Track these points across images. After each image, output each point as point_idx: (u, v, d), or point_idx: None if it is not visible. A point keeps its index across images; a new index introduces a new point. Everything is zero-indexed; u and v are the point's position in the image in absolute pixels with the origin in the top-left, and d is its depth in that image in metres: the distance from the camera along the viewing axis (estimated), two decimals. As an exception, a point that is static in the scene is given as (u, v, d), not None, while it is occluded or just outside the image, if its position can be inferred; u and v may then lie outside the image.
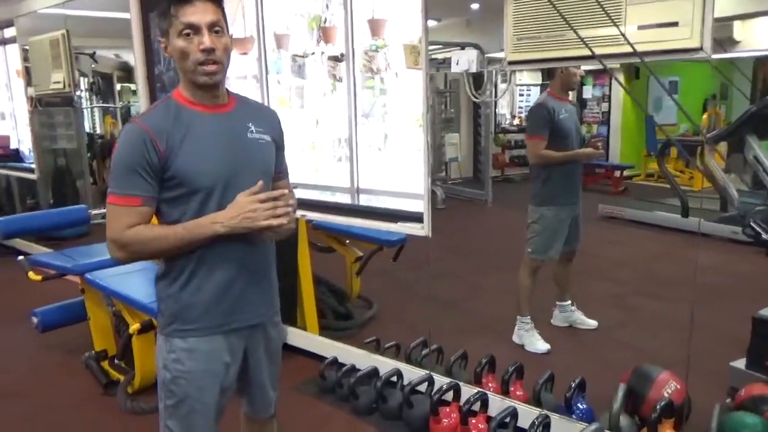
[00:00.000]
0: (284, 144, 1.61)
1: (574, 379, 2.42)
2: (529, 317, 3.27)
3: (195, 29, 1.34)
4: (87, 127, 8.64)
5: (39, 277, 2.95)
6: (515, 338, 3.32)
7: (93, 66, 7.66)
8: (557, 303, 3.54)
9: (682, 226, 5.78)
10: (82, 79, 7.25)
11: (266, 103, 3.64)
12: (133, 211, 1.35)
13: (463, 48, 6.97)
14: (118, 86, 9.29)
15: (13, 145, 6.63)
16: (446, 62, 6.64)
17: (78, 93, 6.51)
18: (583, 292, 3.83)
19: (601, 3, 1.80)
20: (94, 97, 8.43)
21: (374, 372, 2.71)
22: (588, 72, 9.97)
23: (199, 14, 1.34)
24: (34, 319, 3.06)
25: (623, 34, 1.66)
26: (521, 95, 10.70)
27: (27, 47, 4.96)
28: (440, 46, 7.22)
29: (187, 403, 1.46)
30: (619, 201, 7.12)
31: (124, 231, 1.35)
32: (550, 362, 3.08)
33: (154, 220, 1.43)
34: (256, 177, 1.44)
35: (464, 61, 2.21)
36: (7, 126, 7.01)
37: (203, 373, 1.46)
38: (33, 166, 5.55)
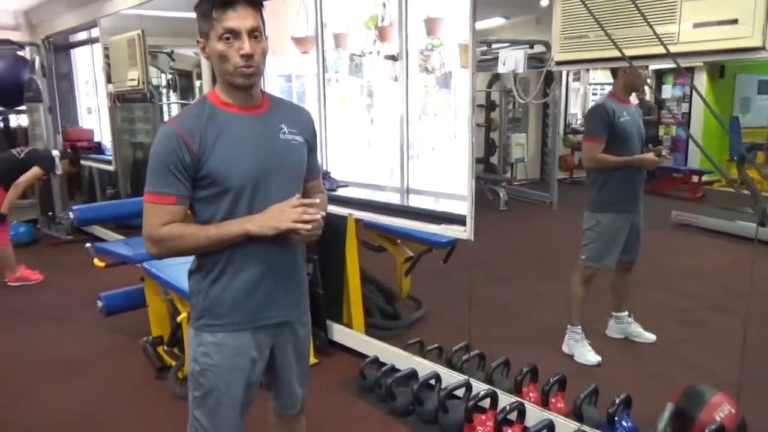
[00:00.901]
0: (316, 144, 1.63)
1: (619, 394, 2.30)
2: (579, 327, 3.15)
3: (235, 34, 1.38)
4: (165, 122, 9.09)
5: (102, 264, 3.14)
6: (565, 348, 3.20)
7: (171, 64, 8.05)
8: (613, 313, 3.39)
9: (764, 237, 5.39)
10: (163, 75, 7.64)
11: (322, 102, 3.69)
12: (167, 209, 1.40)
13: (531, 46, 6.79)
14: (198, 83, 9.72)
15: (97, 139, 7.10)
16: (513, 60, 6.47)
17: (155, 89, 6.85)
18: (645, 304, 3.64)
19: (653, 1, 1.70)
20: (172, 93, 8.86)
21: (413, 374, 2.69)
22: (667, 71, 9.45)
23: (240, 20, 1.37)
24: (99, 303, 3.25)
25: (655, 32, 1.55)
26: (594, 94, 10.29)
27: (107, 46, 5.27)
28: (508, 44, 7.06)
29: (214, 396, 1.51)
30: (696, 208, 6.70)
31: (159, 228, 1.40)
32: (598, 375, 2.95)
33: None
34: (287, 177, 1.48)
35: (511, 61, 2.15)
36: (93, 120, 7.52)
37: (230, 368, 1.50)
38: (111, 158, 5.89)
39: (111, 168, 5.91)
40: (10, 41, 6.28)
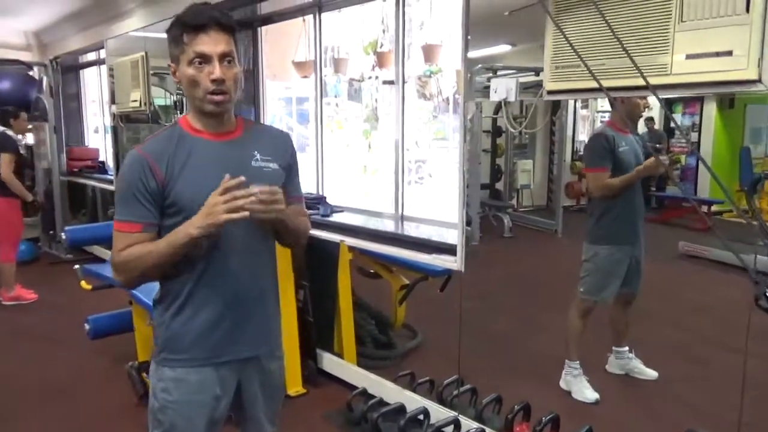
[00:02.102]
0: (297, 168, 1.56)
1: (615, 437, 2.20)
2: (577, 362, 3.04)
3: (206, 59, 1.33)
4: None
5: (89, 287, 3.09)
6: (562, 384, 3.09)
7: (178, 85, 8.13)
8: (614, 348, 3.27)
9: (773, 270, 5.26)
10: (171, 96, 7.70)
11: (319, 125, 3.67)
12: (133, 237, 1.35)
13: (537, 74, 6.78)
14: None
15: (102, 158, 7.13)
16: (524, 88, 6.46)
17: (162, 110, 6.89)
18: (648, 338, 3.52)
19: (647, 29, 1.64)
20: (178, 114, 8.94)
21: (401, 408, 2.60)
22: (676, 100, 9.39)
23: (211, 44, 1.33)
24: (87, 326, 3.19)
25: (634, 63, 1.49)
26: (602, 122, 10.24)
27: (113, 67, 5.31)
28: (513, 71, 7.05)
29: None
30: (704, 239, 6.56)
31: (120, 253, 1.36)
32: (596, 413, 2.83)
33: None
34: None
35: (503, 89, 2.10)
36: (99, 140, 7.57)
37: (191, 404, 1.43)
38: (112, 177, 5.90)
39: (112, 188, 5.90)
40: (19, 61, 6.36)
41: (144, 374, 3.03)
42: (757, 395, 2.21)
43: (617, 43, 1.68)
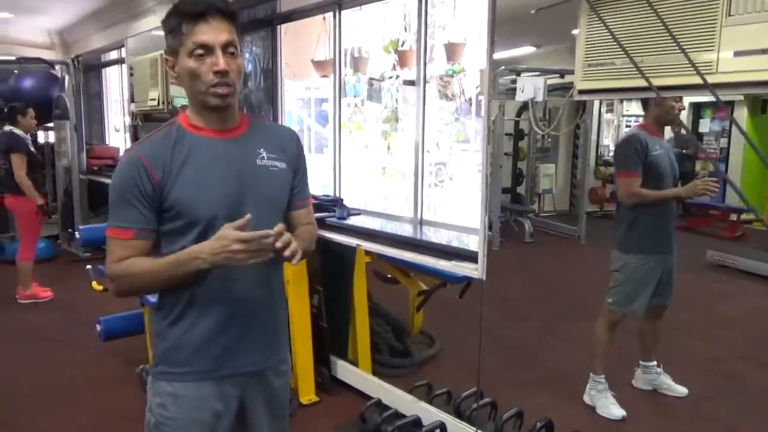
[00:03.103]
0: (305, 168, 1.45)
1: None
2: (603, 377, 2.90)
3: (208, 49, 1.23)
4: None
5: (101, 288, 3.03)
6: (586, 398, 2.95)
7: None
8: (641, 363, 3.12)
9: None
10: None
11: (337, 125, 3.58)
12: (125, 244, 1.26)
13: (562, 76, 6.61)
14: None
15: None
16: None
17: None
18: (676, 353, 3.37)
19: (691, 25, 1.52)
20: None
21: (417, 422, 2.49)
22: (706, 104, 9.14)
23: (212, 33, 1.23)
24: (98, 327, 3.14)
25: (691, 61, 1.37)
26: (628, 126, 10.02)
27: (132, 66, 5.29)
28: (538, 73, 6.90)
29: None
30: (733, 248, 6.35)
31: (114, 265, 1.26)
32: (623, 431, 2.69)
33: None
34: (265, 208, 1.31)
35: (530, 88, 1.98)
36: (120, 138, 7.60)
37: (189, 422, 1.33)
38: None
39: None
40: (41, 59, 6.39)
41: (154, 378, 2.97)
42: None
43: (656, 39, 1.55)
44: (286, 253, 1.19)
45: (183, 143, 1.28)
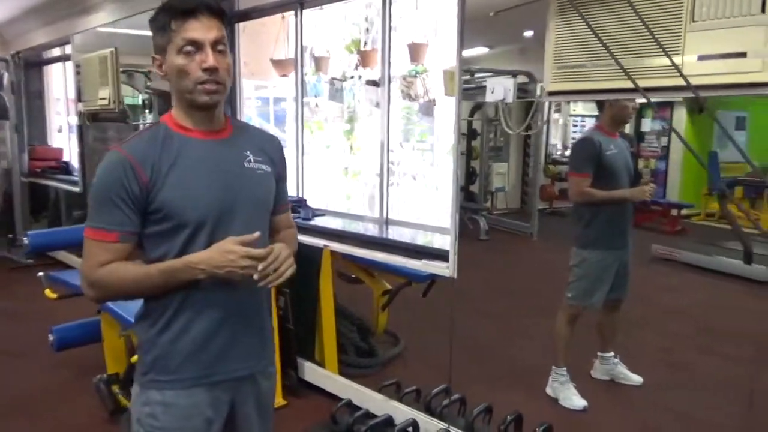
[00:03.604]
0: (286, 174, 1.46)
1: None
2: (565, 369, 2.99)
3: (197, 46, 1.22)
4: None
5: (54, 296, 2.90)
6: (549, 390, 3.04)
7: (148, 83, 7.88)
8: (599, 354, 3.24)
9: (745, 273, 5.36)
10: (139, 96, 7.45)
11: (300, 125, 3.54)
12: (108, 247, 1.22)
13: (515, 76, 6.76)
14: (175, 103, 9.54)
15: (66, 158, 6.84)
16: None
17: (131, 109, 6.66)
18: (629, 344, 3.51)
19: (655, 30, 1.58)
20: (148, 114, 8.67)
21: (389, 420, 2.50)
22: (647, 104, 9.54)
23: (202, 30, 1.22)
24: (51, 337, 3.00)
25: (675, 65, 1.44)
26: (575, 126, 10.35)
27: (79, 64, 5.08)
28: (491, 74, 7.04)
29: None
30: (675, 242, 6.67)
31: (96, 269, 1.22)
32: (585, 421, 2.80)
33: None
34: (253, 211, 1.31)
35: (500, 89, 2.02)
36: (63, 139, 7.26)
37: (180, 431, 1.30)
38: (77, 179, 5.65)
39: (77, 189, 5.65)
40: (-24, 56, 6.05)
41: (114, 387, 2.87)
42: (740, 397, 2.20)
43: (622, 43, 1.62)
44: (281, 269, 1.22)
45: (171, 144, 1.25)
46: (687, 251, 6.13)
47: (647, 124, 9.69)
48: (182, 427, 1.30)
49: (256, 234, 1.22)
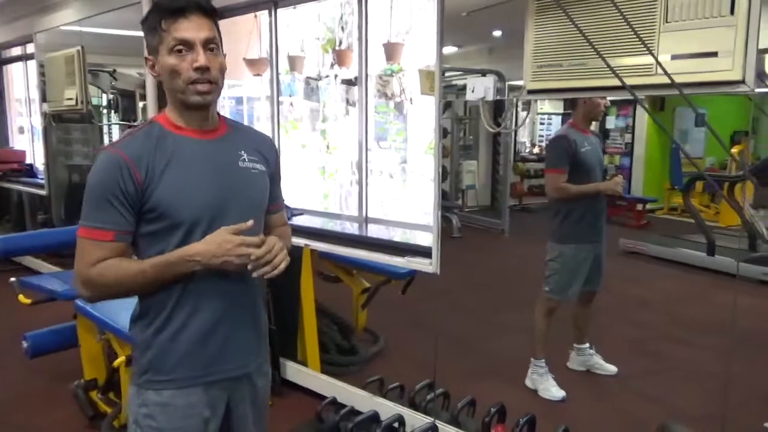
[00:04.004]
0: (280, 174, 1.47)
1: (591, 435, 2.21)
2: (543, 361, 3.07)
3: (188, 46, 1.22)
4: (105, 144, 8.68)
5: (28, 301, 2.83)
6: (528, 382, 3.11)
7: (113, 83, 7.71)
8: (575, 345, 3.33)
9: (708, 264, 5.55)
10: (104, 95, 7.29)
11: (276, 125, 3.53)
12: (103, 246, 1.22)
13: (484, 75, 6.85)
14: (140, 104, 9.35)
15: (29, 161, 6.65)
16: (465, 89, 6.50)
17: (95, 109, 6.52)
18: (602, 335, 3.61)
19: (630, 31, 1.64)
20: (113, 114, 8.47)
21: (375, 417, 2.52)
22: (611, 102, 9.79)
23: (193, 30, 1.22)
24: (24, 344, 2.92)
25: (660, 64, 1.50)
26: (542, 124, 10.56)
27: (43, 63, 4.95)
28: (460, 73, 7.12)
29: None
30: (641, 236, 6.86)
31: (90, 267, 1.21)
32: (564, 411, 2.86)
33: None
34: (247, 211, 1.31)
35: (480, 88, 2.07)
36: (26, 141, 7.06)
37: (178, 431, 1.30)
38: (43, 181, 5.51)
39: (43, 192, 5.50)
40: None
41: (93, 393, 2.82)
42: (711, 382, 2.30)
43: (598, 43, 1.67)
44: (276, 261, 1.23)
45: (166, 143, 1.25)
46: (653, 244, 6.32)
47: (611, 122, 9.94)
48: (180, 427, 1.30)
49: (249, 222, 1.23)
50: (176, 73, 1.23)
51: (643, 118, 9.54)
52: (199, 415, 1.31)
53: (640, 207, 8.38)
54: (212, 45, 1.24)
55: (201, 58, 1.22)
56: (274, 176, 1.42)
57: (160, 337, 1.28)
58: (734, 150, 7.85)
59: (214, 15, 1.27)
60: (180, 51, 1.22)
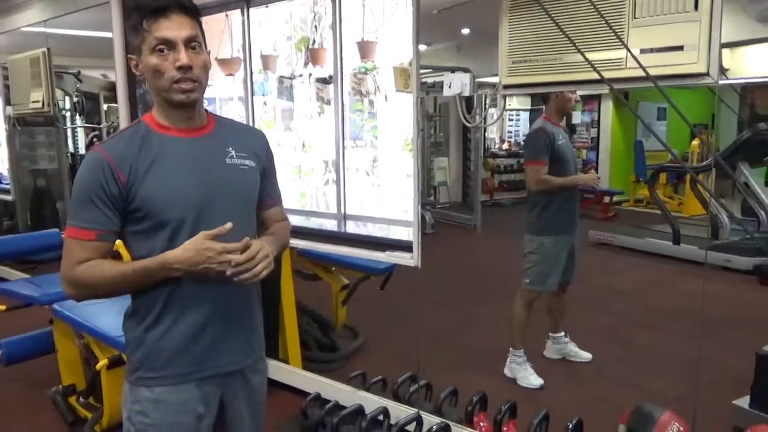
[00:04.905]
0: (274, 167, 1.47)
1: (570, 419, 2.28)
2: (522, 350, 3.14)
3: (170, 45, 1.23)
4: (70, 148, 8.49)
5: (3, 307, 2.78)
6: (507, 372, 3.18)
7: (78, 85, 7.54)
8: (551, 334, 3.42)
9: (674, 253, 5.75)
10: (66, 98, 7.12)
11: (250, 123, 3.52)
12: (86, 246, 1.22)
13: (453, 72, 6.93)
14: (105, 106, 9.17)
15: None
16: (436, 86, 6.58)
17: (62, 112, 6.39)
18: (576, 323, 3.71)
19: (604, 26, 1.71)
20: (78, 117, 8.29)
21: (359, 410, 2.55)
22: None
23: (174, 29, 1.23)
24: (-2, 351, 2.87)
25: (636, 58, 1.57)
26: (510, 120, 10.72)
27: (6, 65, 4.83)
28: (430, 70, 7.19)
29: None
30: (609, 227, 7.05)
31: (75, 267, 1.22)
32: (543, 398, 2.94)
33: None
34: (235, 208, 1.31)
35: (457, 84, 2.12)
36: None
37: (172, 427, 1.31)
38: (8, 187, 5.37)
39: (9, 198, 5.37)
40: None
41: (72, 398, 2.78)
42: (683, 366, 2.40)
43: (573, 38, 1.74)
44: (256, 270, 1.22)
45: (150, 143, 1.26)
46: (621, 235, 6.50)
47: (578, 117, 10.16)
48: (173, 424, 1.31)
49: (228, 225, 1.21)
50: (159, 72, 1.23)
51: (608, 113, 9.79)
52: (192, 411, 1.31)
53: (607, 200, 8.59)
54: (194, 43, 1.25)
55: (183, 58, 1.22)
56: (266, 171, 1.42)
57: (150, 334, 1.29)
58: (695, 142, 8.13)
59: (196, 13, 1.28)
60: (162, 50, 1.22)
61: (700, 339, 2.67)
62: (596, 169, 9.72)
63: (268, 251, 1.26)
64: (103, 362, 2.32)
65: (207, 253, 1.19)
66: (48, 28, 4.50)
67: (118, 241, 1.30)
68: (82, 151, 8.73)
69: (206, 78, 1.30)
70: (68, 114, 7.80)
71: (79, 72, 7.23)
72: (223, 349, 1.33)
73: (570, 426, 2.24)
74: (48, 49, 4.31)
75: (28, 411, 2.91)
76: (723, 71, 1.69)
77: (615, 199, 8.82)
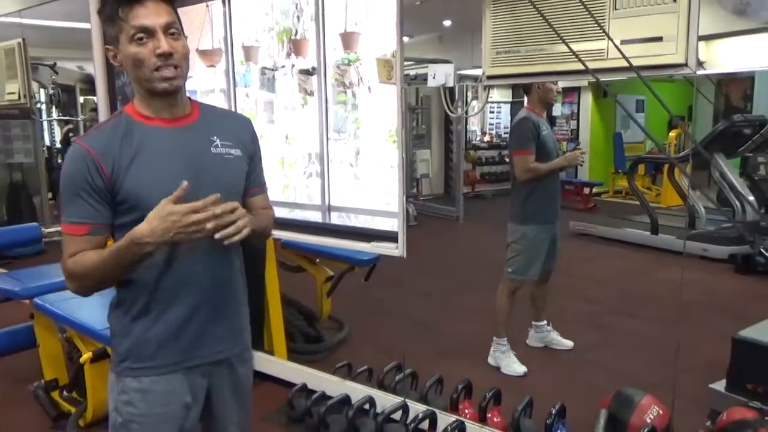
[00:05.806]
0: (260, 155, 1.45)
1: (553, 404, 2.32)
2: (505, 339, 3.19)
3: (149, 33, 1.21)
4: (46, 140, 8.35)
5: (-17, 303, 2.73)
6: (491, 360, 3.22)
7: (53, 77, 7.41)
8: (533, 323, 3.47)
9: (652, 243, 5.87)
10: (41, 90, 7.00)
11: (233, 117, 3.50)
12: (80, 240, 1.22)
13: (435, 63, 6.96)
14: (81, 99, 9.02)
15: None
16: (418, 78, 6.59)
17: (37, 105, 6.27)
18: (557, 312, 3.77)
19: (585, 17, 1.74)
20: (54, 110, 8.15)
21: (346, 400, 2.57)
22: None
23: (152, 16, 1.20)
24: (-22, 347, 2.83)
25: (619, 49, 1.59)
26: (491, 112, 10.78)
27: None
28: (412, 62, 7.20)
29: None
30: (589, 218, 7.15)
31: (67, 261, 1.22)
32: (526, 385, 2.99)
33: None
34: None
35: (441, 75, 2.13)
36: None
37: (159, 417, 1.30)
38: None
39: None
40: None
41: (55, 393, 2.75)
42: (663, 352, 2.46)
43: (549, 30, 1.76)
44: (239, 223, 1.17)
45: (132, 135, 1.25)
46: (601, 226, 6.60)
47: (557, 109, 10.25)
48: (160, 413, 1.31)
49: (184, 184, 1.15)
50: (139, 61, 1.22)
51: (587, 105, 9.90)
52: (180, 401, 1.32)
53: (587, 191, 8.70)
54: (173, 29, 1.23)
55: (163, 44, 1.20)
56: (253, 158, 1.40)
57: (137, 324, 1.28)
58: (672, 134, 8.27)
59: None
60: (141, 39, 1.20)
61: (678, 325, 2.75)
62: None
63: (245, 212, 1.21)
64: (86, 355, 2.30)
65: (171, 217, 1.12)
66: (23, 19, 4.41)
67: None
68: (58, 144, 8.62)
69: (187, 64, 1.28)
70: (44, 107, 7.68)
71: (55, 64, 7.10)
72: (211, 337, 1.33)
73: (553, 411, 2.28)
74: (23, 40, 4.22)
75: (9, 405, 2.88)
76: (699, 63, 1.73)
77: (595, 190, 8.94)
